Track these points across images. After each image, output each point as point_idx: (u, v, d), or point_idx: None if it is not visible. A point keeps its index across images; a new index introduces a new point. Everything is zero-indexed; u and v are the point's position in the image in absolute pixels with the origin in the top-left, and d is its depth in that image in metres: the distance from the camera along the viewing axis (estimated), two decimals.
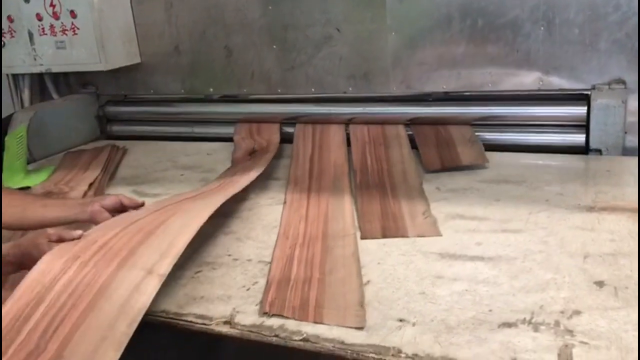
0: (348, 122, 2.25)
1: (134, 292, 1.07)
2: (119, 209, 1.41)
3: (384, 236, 1.42)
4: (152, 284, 1.10)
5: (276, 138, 2.24)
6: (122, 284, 1.09)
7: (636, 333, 0.97)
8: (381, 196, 1.66)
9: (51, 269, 1.10)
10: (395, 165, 1.88)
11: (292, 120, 2.32)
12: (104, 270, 1.11)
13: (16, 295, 1.04)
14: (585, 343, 0.95)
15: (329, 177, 1.86)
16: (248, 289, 1.23)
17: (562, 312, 1.04)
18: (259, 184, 1.86)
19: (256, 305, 1.16)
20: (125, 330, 0.99)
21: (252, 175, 1.81)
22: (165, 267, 1.15)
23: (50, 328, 0.98)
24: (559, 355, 0.93)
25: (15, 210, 1.35)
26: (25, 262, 1.15)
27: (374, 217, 1.53)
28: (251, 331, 1.08)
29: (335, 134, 2.20)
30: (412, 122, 2.15)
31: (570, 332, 0.99)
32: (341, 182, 1.79)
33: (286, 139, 2.26)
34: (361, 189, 1.73)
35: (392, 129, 2.16)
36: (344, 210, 1.59)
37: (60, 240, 1.21)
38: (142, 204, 1.47)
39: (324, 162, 1.97)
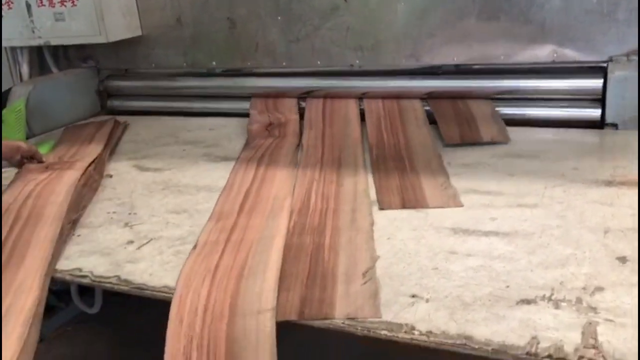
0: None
1: None
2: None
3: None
4: None
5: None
6: None
7: None
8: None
9: None
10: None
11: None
12: None
13: None
14: (610, 320, 0.90)
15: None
16: None
17: (584, 289, 0.99)
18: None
19: None
20: None
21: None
22: None
23: None
24: (582, 333, 0.88)
25: None
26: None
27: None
28: None
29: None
30: (415, 97, 2.09)
31: (593, 309, 0.94)
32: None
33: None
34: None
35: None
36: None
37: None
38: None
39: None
